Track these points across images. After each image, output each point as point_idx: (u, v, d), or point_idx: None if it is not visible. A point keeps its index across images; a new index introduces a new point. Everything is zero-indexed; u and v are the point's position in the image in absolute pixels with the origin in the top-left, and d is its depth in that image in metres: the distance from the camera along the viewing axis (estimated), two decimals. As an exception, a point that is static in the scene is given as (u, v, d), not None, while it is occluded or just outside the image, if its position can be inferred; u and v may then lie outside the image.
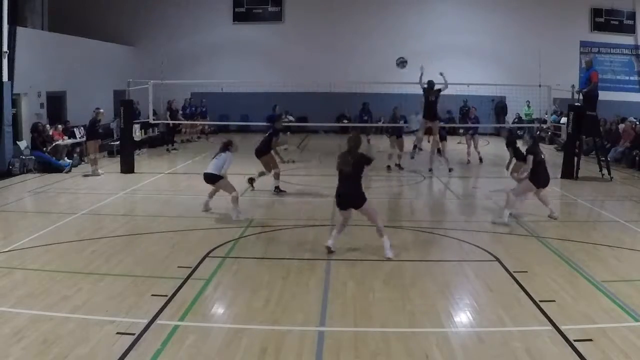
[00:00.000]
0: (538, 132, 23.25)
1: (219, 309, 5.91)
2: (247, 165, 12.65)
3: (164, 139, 20.08)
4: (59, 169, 14.32)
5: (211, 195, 10.13)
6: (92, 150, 14.32)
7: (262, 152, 11.80)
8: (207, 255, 7.44)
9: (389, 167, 15.14)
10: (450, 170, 14.85)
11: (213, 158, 9.95)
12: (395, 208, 11.04)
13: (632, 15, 25.82)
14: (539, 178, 9.29)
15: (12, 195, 11.34)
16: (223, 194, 9.90)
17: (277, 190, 11.80)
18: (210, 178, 9.79)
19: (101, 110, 14.76)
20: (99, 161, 14.58)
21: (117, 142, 16.31)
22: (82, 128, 16.78)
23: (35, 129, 14.87)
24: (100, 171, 14.12)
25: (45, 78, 17.81)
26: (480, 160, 16.97)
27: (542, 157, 9.33)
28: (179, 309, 5.67)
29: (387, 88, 21.91)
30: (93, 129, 14.47)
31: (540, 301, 5.87)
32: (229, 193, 9.75)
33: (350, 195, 7.48)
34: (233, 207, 9.65)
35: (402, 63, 15.78)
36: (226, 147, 9.95)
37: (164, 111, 20.10)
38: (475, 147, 17.08)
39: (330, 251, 7.54)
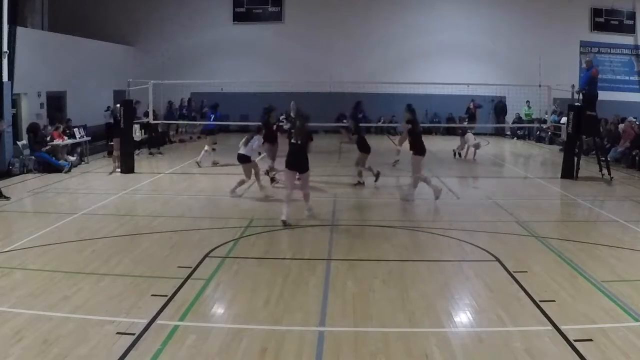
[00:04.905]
0: (538, 132, 23.32)
1: (219, 309, 5.91)
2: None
3: (163, 140, 19.95)
4: (59, 169, 14.32)
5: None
6: (117, 148, 14.69)
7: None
8: (207, 255, 7.44)
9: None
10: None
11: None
12: (395, 208, 11.04)
13: (632, 15, 25.83)
14: (421, 148, 10.99)
15: (12, 195, 11.32)
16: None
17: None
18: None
19: (117, 106, 15.27)
20: (98, 161, 14.73)
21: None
22: (81, 128, 16.78)
23: (31, 129, 14.85)
24: (118, 170, 14.48)
25: (45, 78, 17.83)
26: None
27: (420, 129, 11.39)
28: (179, 309, 5.67)
29: (387, 88, 21.94)
30: (118, 126, 14.79)
31: (540, 301, 5.86)
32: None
33: (300, 161, 9.32)
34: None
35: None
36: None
37: (163, 111, 20.06)
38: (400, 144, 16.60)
39: (285, 224, 8.98)
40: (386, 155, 16.39)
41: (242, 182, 11.38)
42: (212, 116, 16.36)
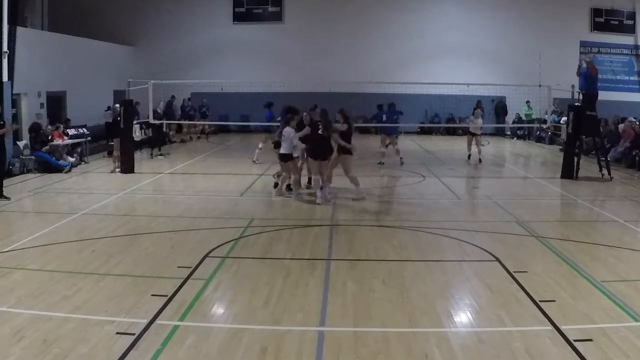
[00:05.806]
0: (538, 132, 23.32)
1: (219, 309, 5.91)
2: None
3: (162, 140, 19.83)
4: (59, 169, 14.33)
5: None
6: (117, 148, 14.65)
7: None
8: (207, 255, 7.44)
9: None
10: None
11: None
12: (395, 208, 11.04)
13: (632, 15, 25.83)
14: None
15: (12, 195, 11.33)
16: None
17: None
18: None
19: (117, 105, 15.33)
20: (98, 161, 14.73)
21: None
22: (79, 129, 16.77)
23: (33, 129, 14.86)
24: (117, 170, 14.45)
25: (45, 78, 17.81)
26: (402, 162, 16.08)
27: (352, 131, 11.50)
28: (179, 309, 5.66)
29: (387, 88, 21.94)
30: (118, 126, 14.75)
31: (540, 301, 5.86)
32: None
33: (324, 151, 10.86)
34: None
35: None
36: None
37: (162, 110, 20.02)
38: (394, 146, 16.31)
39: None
40: (374, 157, 16.53)
41: (297, 182, 11.53)
42: (268, 115, 16.22)
